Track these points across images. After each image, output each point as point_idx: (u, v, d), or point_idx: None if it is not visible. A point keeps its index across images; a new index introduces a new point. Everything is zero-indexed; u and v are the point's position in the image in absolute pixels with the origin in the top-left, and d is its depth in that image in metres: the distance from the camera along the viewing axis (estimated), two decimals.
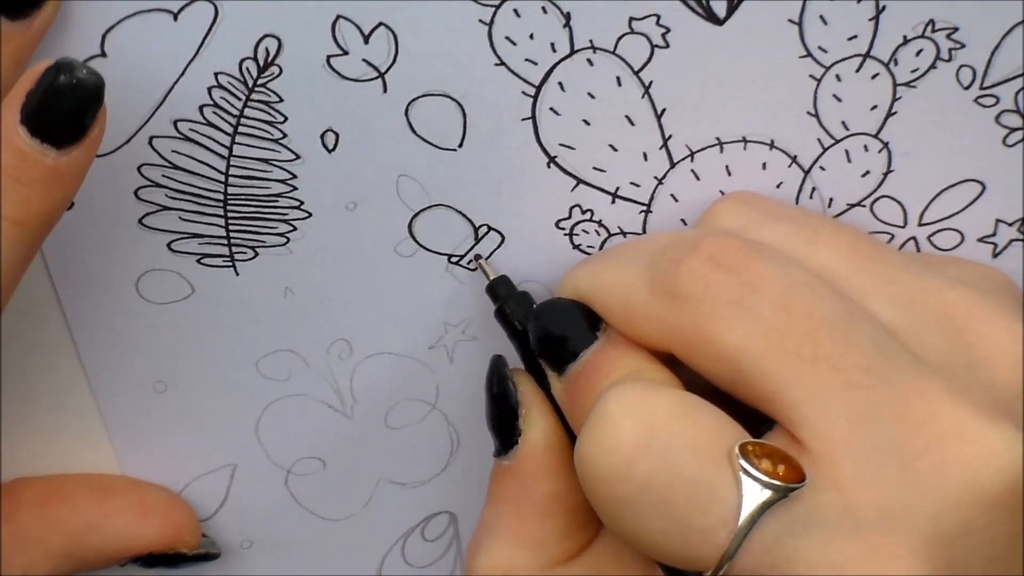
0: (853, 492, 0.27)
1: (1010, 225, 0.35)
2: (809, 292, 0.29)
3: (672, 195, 0.34)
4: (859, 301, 0.30)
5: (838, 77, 0.32)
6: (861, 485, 0.27)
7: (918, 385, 0.28)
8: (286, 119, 0.32)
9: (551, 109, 0.32)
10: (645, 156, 0.33)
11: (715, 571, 0.27)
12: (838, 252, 0.31)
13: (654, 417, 0.28)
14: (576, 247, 0.35)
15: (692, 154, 0.33)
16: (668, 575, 0.30)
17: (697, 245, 0.29)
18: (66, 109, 0.28)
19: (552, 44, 0.31)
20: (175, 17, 0.30)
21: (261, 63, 0.31)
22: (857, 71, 0.32)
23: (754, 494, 0.27)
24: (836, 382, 0.28)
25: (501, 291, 0.34)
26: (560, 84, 0.32)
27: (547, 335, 0.32)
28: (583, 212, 0.34)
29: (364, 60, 0.31)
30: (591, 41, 0.31)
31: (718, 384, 0.29)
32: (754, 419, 0.29)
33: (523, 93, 0.32)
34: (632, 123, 0.33)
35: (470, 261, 0.35)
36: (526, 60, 0.32)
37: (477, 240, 0.34)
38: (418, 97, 0.32)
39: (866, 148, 0.34)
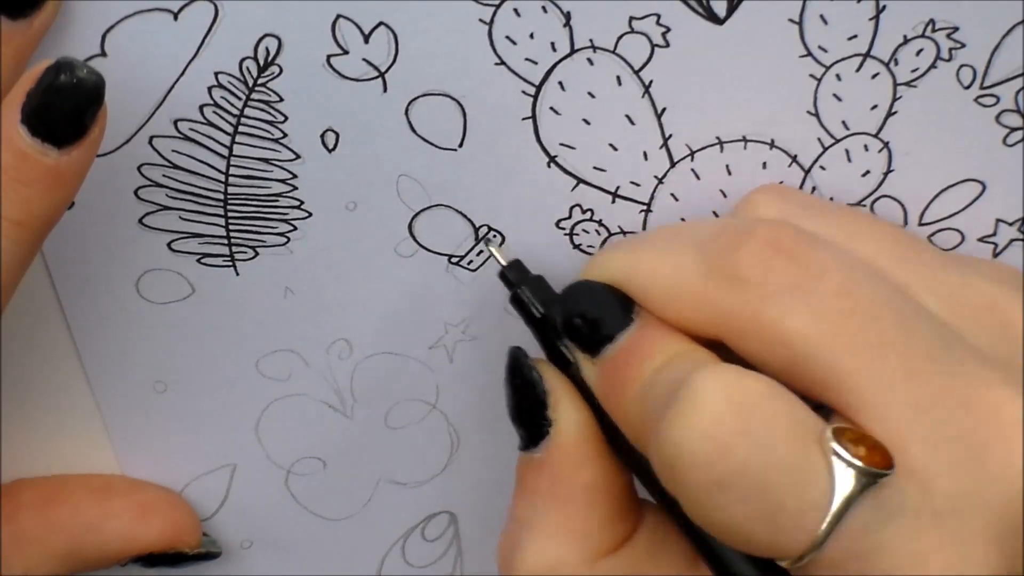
0: (927, 480, 0.27)
1: (1010, 225, 0.35)
2: (870, 280, 0.29)
3: (672, 194, 0.34)
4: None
5: (838, 76, 0.32)
6: (933, 473, 0.27)
7: (980, 375, 0.28)
8: (286, 119, 0.32)
9: (551, 108, 0.32)
10: (645, 155, 0.33)
11: (801, 558, 0.27)
12: (879, 246, 0.31)
13: (750, 400, 0.27)
14: (576, 247, 0.35)
15: (692, 153, 0.33)
16: (715, 569, 0.30)
17: (754, 231, 0.29)
18: (66, 108, 0.28)
19: (552, 43, 0.31)
20: (175, 17, 0.30)
21: (261, 62, 0.31)
22: (857, 71, 0.32)
23: (846, 479, 0.26)
24: (901, 370, 0.28)
25: (515, 276, 0.33)
26: (560, 83, 0.32)
27: (581, 317, 0.31)
28: (583, 212, 0.34)
29: (364, 60, 0.31)
30: (591, 40, 0.31)
31: (770, 372, 0.29)
32: None
33: (523, 92, 0.32)
34: (632, 122, 0.33)
35: (470, 261, 0.35)
36: (526, 59, 0.32)
37: (477, 240, 0.34)
38: (418, 97, 0.32)
39: (866, 148, 0.34)
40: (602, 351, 0.31)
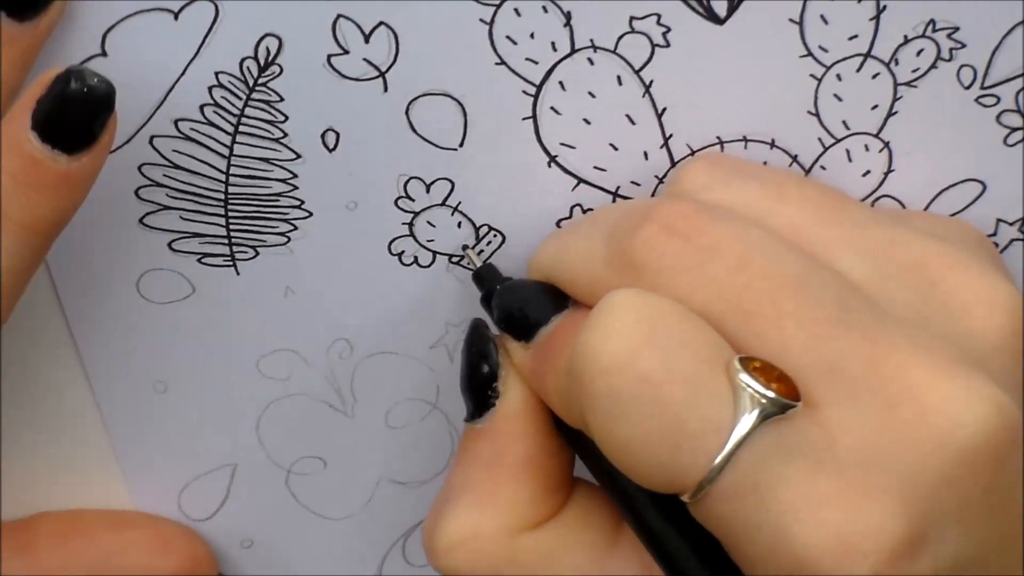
0: (835, 432, 0.27)
1: (1011, 225, 0.35)
2: (767, 252, 0.29)
3: None
4: (825, 257, 0.30)
5: (839, 76, 0.32)
6: (842, 427, 0.27)
7: (885, 338, 0.28)
8: (287, 118, 0.32)
9: (552, 108, 0.32)
10: (646, 155, 0.33)
11: (700, 485, 0.27)
12: (804, 208, 0.31)
13: (658, 314, 0.27)
14: None
15: (693, 153, 0.33)
16: (645, 540, 0.30)
17: (650, 214, 0.29)
18: (77, 117, 0.28)
19: (553, 43, 0.31)
20: (175, 17, 0.30)
21: (262, 62, 0.31)
22: (858, 71, 0.32)
23: (750, 406, 0.26)
24: (802, 337, 0.27)
25: (487, 279, 0.34)
26: (561, 83, 0.32)
27: (510, 314, 0.32)
28: (584, 212, 0.34)
29: (365, 59, 0.31)
30: (592, 40, 0.31)
31: None
32: None
33: (524, 92, 0.32)
34: (633, 122, 0.33)
35: (471, 261, 0.35)
36: (527, 59, 0.32)
37: (478, 240, 0.34)
38: (419, 96, 0.32)
39: (867, 148, 0.34)
40: (535, 337, 0.31)
